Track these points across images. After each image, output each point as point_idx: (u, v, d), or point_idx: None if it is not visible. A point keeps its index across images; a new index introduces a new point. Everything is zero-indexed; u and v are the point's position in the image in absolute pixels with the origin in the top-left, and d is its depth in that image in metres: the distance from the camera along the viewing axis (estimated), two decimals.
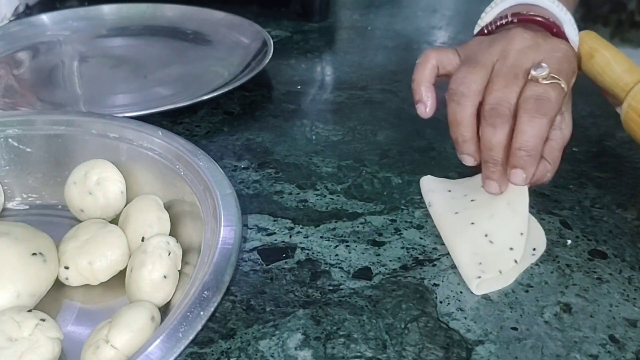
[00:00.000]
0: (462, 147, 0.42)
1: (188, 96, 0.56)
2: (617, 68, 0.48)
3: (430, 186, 0.45)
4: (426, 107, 0.44)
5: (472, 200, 0.42)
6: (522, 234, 0.39)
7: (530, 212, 0.43)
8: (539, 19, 0.45)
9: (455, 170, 0.48)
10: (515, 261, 0.38)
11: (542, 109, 0.38)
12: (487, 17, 0.48)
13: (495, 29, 0.46)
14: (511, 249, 0.38)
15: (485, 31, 0.47)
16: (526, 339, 0.34)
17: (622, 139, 0.47)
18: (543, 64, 0.40)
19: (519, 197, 0.41)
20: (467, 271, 0.37)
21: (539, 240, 0.41)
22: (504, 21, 0.45)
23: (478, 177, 0.43)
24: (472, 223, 0.40)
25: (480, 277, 0.37)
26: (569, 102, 0.44)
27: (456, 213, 0.41)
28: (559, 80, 0.39)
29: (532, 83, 0.40)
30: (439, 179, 0.46)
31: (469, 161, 0.42)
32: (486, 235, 0.39)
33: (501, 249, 0.38)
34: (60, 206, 0.44)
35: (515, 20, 0.45)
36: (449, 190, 0.44)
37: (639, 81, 0.45)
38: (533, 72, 0.40)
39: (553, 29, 0.45)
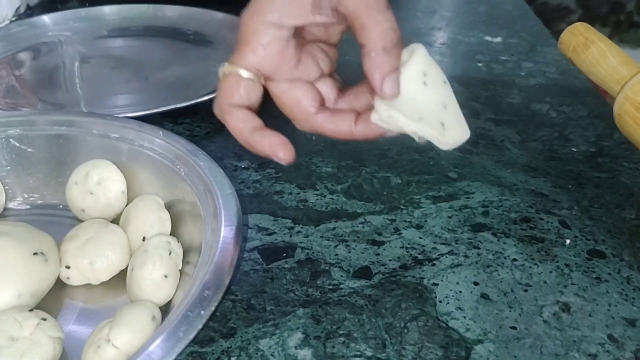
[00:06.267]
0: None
1: (188, 97, 0.56)
2: (612, 60, 0.47)
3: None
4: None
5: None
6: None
7: (528, 211, 0.44)
8: None
9: (455, 170, 0.48)
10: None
11: None
12: None
13: None
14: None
15: None
16: (525, 338, 0.34)
17: (619, 139, 0.47)
18: None
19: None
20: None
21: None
22: None
23: None
24: None
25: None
26: None
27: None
28: None
29: None
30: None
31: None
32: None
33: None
34: (61, 206, 0.44)
35: None
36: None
37: (636, 73, 0.45)
38: None
39: None
